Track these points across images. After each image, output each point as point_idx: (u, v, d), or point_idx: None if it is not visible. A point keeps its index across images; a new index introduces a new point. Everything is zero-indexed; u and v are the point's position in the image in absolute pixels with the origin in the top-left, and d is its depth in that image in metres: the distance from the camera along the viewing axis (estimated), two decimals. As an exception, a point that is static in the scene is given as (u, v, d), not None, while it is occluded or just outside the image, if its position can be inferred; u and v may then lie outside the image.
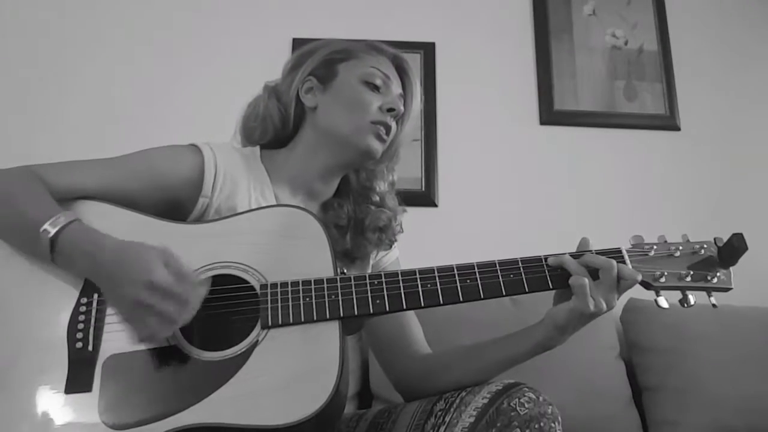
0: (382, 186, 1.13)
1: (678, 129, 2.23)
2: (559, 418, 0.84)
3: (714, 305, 0.91)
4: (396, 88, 1.10)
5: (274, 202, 1.04)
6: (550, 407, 0.84)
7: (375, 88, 1.07)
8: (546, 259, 0.91)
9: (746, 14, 2.39)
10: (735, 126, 2.26)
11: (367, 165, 1.11)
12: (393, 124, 1.07)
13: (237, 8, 2.23)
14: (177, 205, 1.00)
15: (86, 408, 0.80)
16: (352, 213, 1.10)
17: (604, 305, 0.87)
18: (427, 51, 2.22)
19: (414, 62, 2.19)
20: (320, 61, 1.10)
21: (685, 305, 0.91)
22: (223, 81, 2.10)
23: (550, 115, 2.20)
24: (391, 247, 1.15)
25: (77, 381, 0.82)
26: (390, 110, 1.05)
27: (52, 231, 0.83)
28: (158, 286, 0.78)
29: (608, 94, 2.24)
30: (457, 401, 0.88)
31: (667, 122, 2.23)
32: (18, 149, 1.90)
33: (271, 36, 2.18)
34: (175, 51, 2.16)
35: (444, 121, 2.16)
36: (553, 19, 2.31)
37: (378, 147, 1.06)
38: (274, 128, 1.11)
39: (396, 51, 1.14)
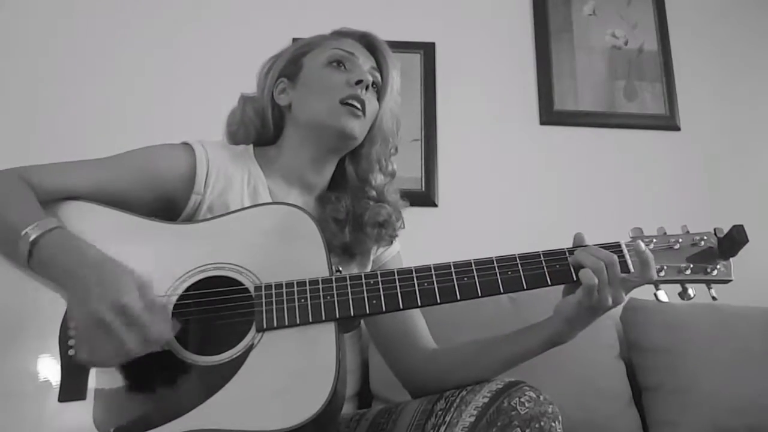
0: (379, 179, 1.11)
1: (678, 129, 2.23)
2: (560, 418, 0.84)
3: (714, 298, 0.90)
4: (365, 62, 1.08)
5: (269, 197, 1.03)
6: (551, 406, 0.83)
7: (340, 65, 1.07)
8: (543, 254, 0.89)
9: (746, 14, 2.39)
10: (735, 126, 2.26)
11: (357, 148, 1.08)
12: (366, 97, 1.05)
13: (237, 8, 2.23)
14: (169, 203, 0.99)
15: (81, 416, 0.79)
16: (351, 207, 1.08)
17: (610, 300, 0.86)
18: (427, 51, 2.22)
19: (414, 62, 2.19)
20: (287, 61, 1.11)
21: (685, 298, 0.90)
22: (223, 81, 2.09)
23: (550, 115, 2.20)
24: (391, 242, 1.13)
25: (71, 389, 0.81)
26: (358, 82, 1.03)
27: (33, 235, 0.82)
28: (126, 311, 0.76)
29: (608, 94, 2.24)
30: (458, 400, 0.88)
31: (667, 122, 2.23)
32: (19, 151, 1.90)
33: (271, 36, 2.16)
34: (175, 51, 2.16)
35: (444, 121, 2.16)
36: (553, 19, 2.31)
37: (354, 125, 1.03)
38: (255, 129, 1.12)
39: (363, 31, 1.13)
